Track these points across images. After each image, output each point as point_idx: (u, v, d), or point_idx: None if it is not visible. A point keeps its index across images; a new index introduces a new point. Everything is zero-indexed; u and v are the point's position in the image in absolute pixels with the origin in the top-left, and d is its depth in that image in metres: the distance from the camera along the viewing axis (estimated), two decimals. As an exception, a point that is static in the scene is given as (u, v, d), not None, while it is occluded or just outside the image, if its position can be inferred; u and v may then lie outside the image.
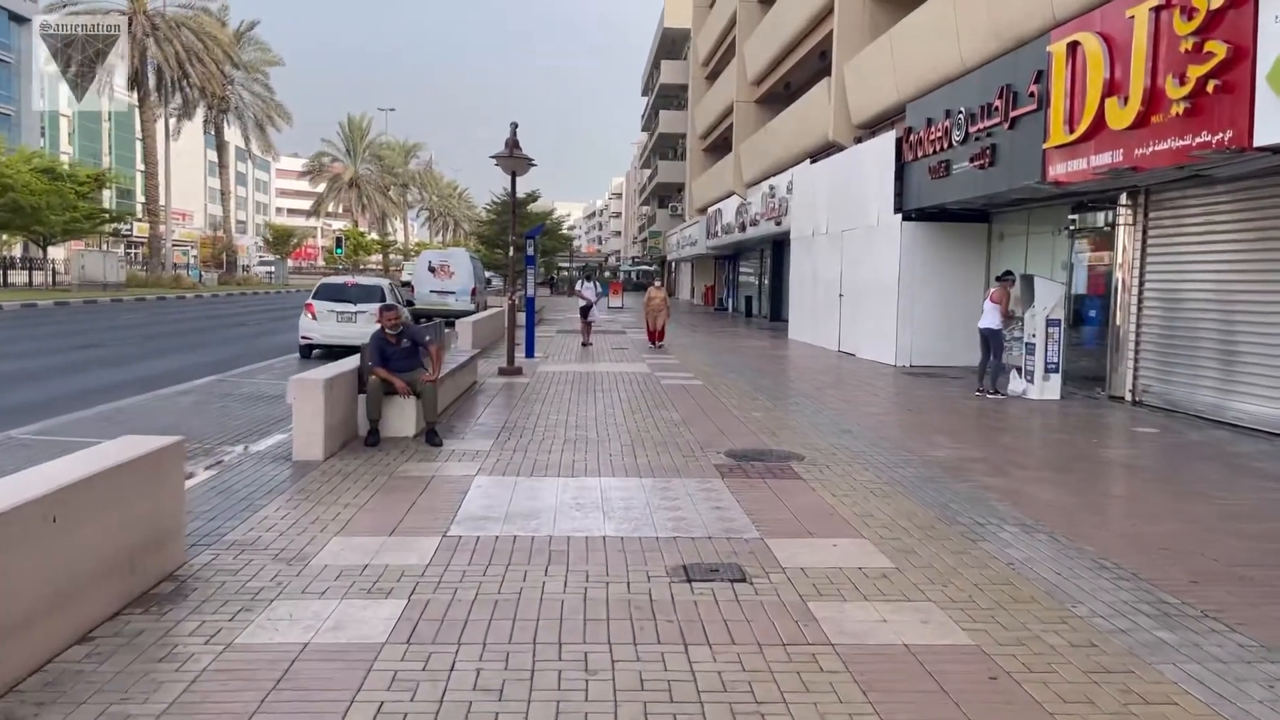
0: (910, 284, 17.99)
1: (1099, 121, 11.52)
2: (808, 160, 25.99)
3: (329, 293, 18.48)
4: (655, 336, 22.08)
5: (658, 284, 23.25)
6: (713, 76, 46.44)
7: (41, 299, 37.33)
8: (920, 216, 17.97)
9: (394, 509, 6.74)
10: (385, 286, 18.99)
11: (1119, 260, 13.32)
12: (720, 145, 45.02)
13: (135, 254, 67.20)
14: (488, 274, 46.87)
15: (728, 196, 37.99)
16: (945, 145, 16.14)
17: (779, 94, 33.34)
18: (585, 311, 22.54)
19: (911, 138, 17.65)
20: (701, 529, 6.33)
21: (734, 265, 44.98)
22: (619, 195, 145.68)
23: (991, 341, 13.68)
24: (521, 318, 21.76)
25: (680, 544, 5.97)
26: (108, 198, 64.31)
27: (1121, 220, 13.20)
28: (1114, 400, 13.32)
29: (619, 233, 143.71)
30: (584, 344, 21.67)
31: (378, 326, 9.56)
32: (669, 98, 64.82)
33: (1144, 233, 12.96)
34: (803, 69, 29.76)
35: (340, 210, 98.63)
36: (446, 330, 15.30)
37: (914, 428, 10.87)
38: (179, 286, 48.50)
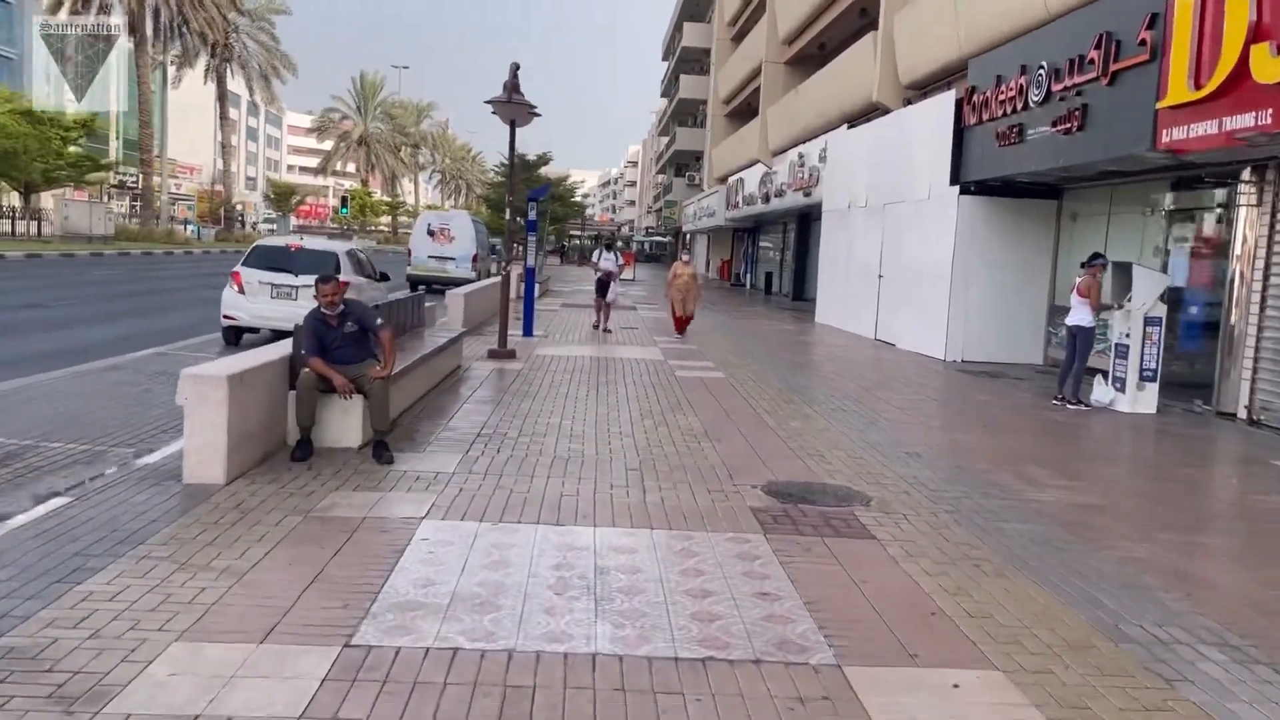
0: (966, 267, 15.70)
1: (1240, 74, 9.18)
2: (844, 125, 23.59)
3: (265, 259, 13.58)
4: (681, 324, 18.17)
5: (685, 257, 19.13)
6: (739, 38, 43.78)
7: (13, 250, 35.17)
8: (980, 190, 15.64)
9: (289, 582, 4.57)
10: (342, 253, 13.83)
11: (1236, 248, 11.01)
12: (744, 111, 42.50)
13: (138, 206, 64.83)
14: (493, 240, 44.64)
15: (751, 165, 35.57)
16: (1019, 106, 13.78)
17: (812, 55, 30.83)
18: (603, 288, 18.54)
19: (975, 98, 15.28)
20: (744, 641, 4.14)
21: (753, 239, 42.60)
22: (635, 164, 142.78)
23: (1079, 341, 11.42)
24: (520, 291, 19.58)
25: (713, 675, 3.79)
26: (114, 148, 62.21)
27: (1243, 200, 10.88)
28: (1223, 417, 11.06)
29: (633, 202, 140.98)
30: (596, 326, 18.22)
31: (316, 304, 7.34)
32: (690, 62, 62.11)
33: (1273, 215, 10.65)
34: (840, 27, 27.26)
35: (353, 169, 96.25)
36: (429, 304, 13.11)
37: (998, 452, 8.65)
38: (171, 241, 46.33)
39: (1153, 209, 13.20)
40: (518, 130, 13.31)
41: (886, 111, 20.47)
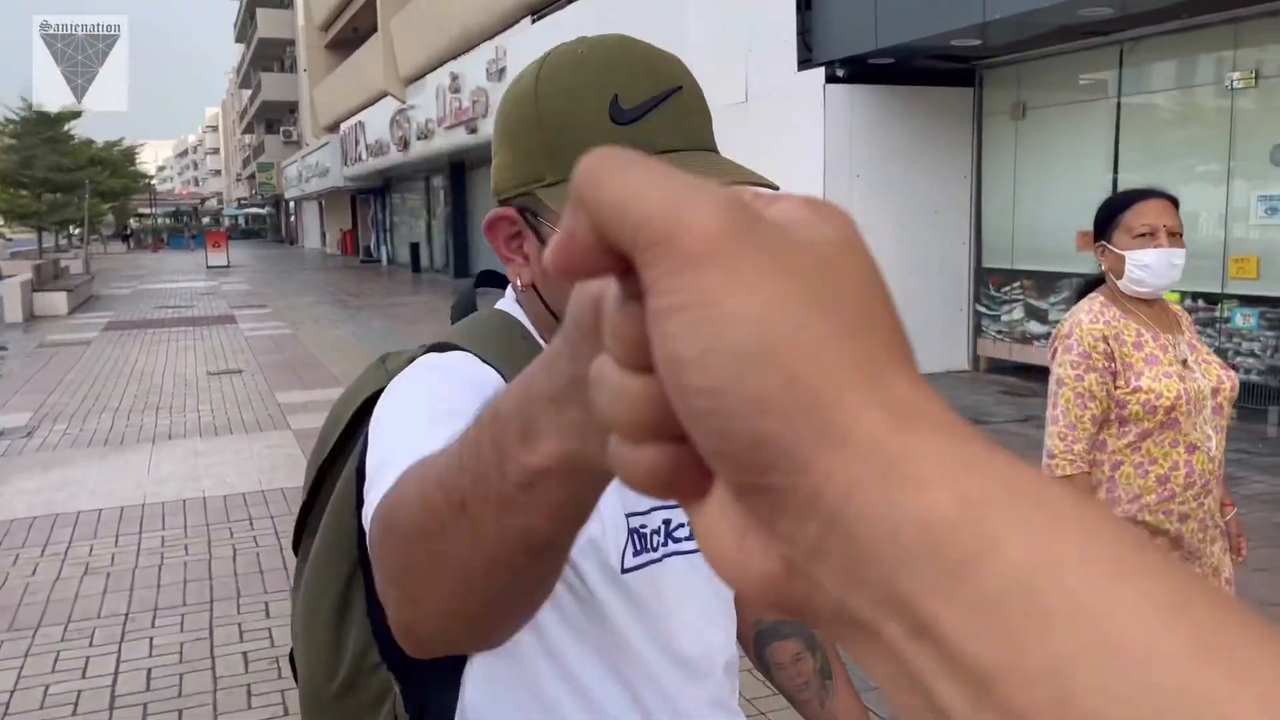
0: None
1: None
2: (528, 18, 15.93)
3: None
4: None
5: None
6: (331, -57, 34.23)
7: None
8: (859, 74, 8.78)
9: None
10: None
11: None
12: (351, 38, 33.20)
13: None
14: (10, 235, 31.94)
15: (375, 102, 26.75)
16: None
17: (445, -58, 22.58)
18: None
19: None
20: None
21: (383, 200, 33.71)
22: (215, 128, 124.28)
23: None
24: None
25: None
26: None
27: None
28: None
29: (219, 171, 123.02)
30: None
31: None
32: (268, -8, 50.86)
33: None
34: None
35: None
36: None
37: None
38: None
39: (1228, 77, 6.96)
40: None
41: (616, -24, 13.06)
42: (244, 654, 3.79)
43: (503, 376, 0.87)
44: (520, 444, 0.42)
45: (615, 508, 0.92)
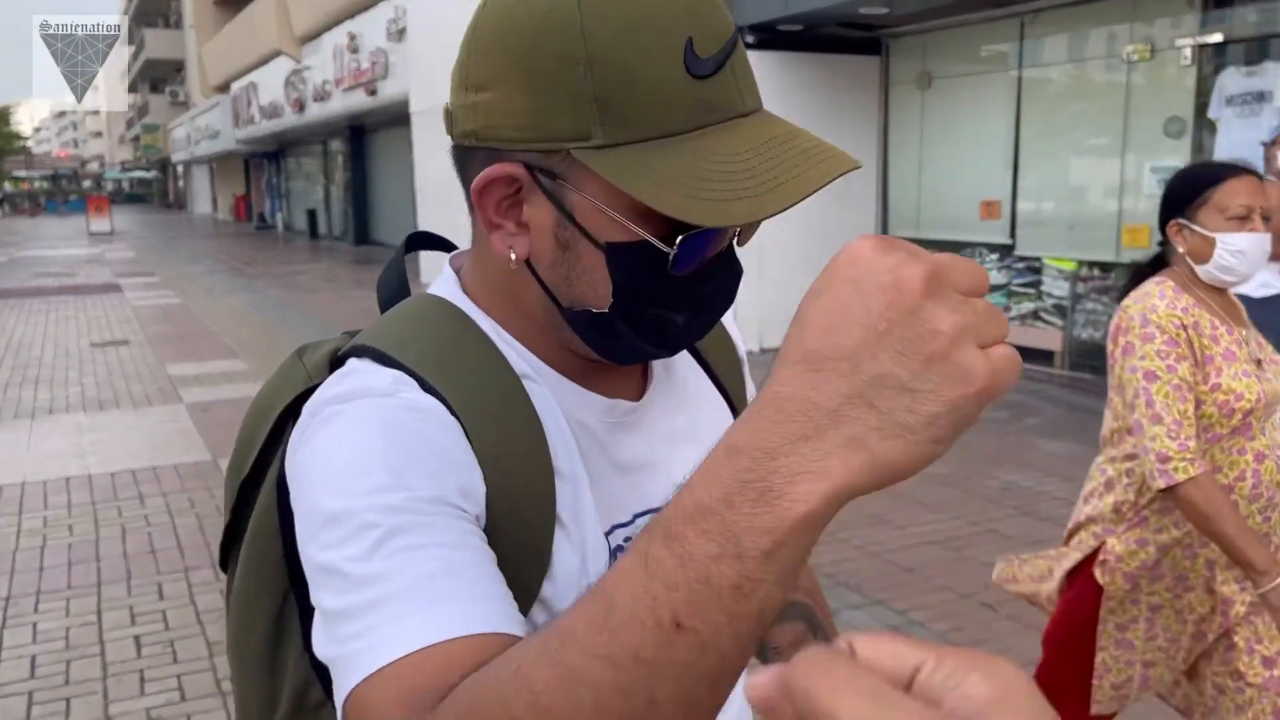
0: (756, 182, 8.80)
1: None
2: (429, -23, 15.44)
3: None
4: None
5: None
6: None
7: None
8: (771, 41, 8.74)
9: None
10: None
11: None
12: (241, -6, 31.81)
13: None
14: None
15: (268, 61, 25.72)
16: None
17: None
18: None
19: None
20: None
21: (278, 165, 32.56)
22: (96, 87, 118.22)
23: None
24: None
25: None
26: None
27: None
28: None
29: (100, 133, 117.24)
30: None
31: None
32: (151, -57, 48.38)
33: None
34: None
35: None
36: None
37: None
38: None
39: (1125, 50, 7.13)
40: None
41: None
42: (136, 638, 3.58)
43: (445, 404, 0.71)
44: (760, 508, 0.44)
45: (593, 525, 0.77)
